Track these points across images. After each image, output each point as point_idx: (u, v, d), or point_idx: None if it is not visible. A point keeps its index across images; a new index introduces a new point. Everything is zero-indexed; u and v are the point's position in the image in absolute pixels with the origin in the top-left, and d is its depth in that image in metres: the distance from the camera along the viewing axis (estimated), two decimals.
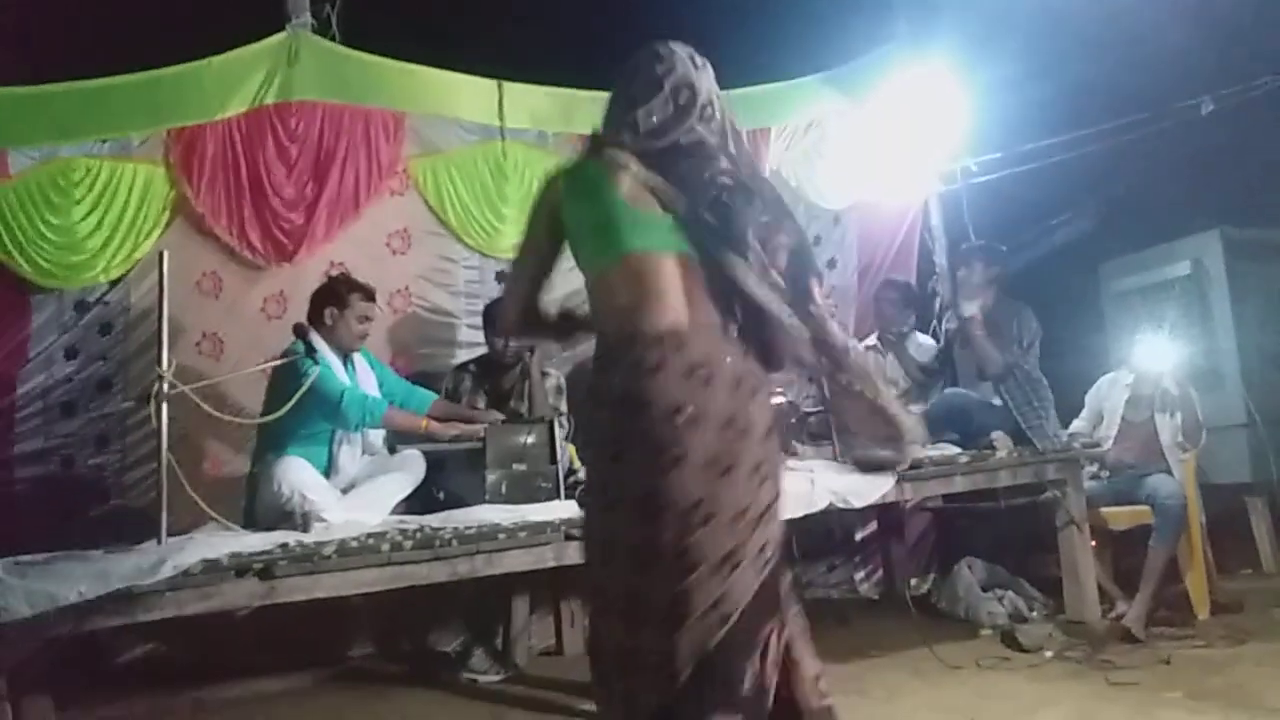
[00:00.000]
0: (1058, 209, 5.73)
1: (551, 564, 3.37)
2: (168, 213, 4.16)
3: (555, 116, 4.92)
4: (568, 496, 3.68)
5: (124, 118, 4.09)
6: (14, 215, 3.86)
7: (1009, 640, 4.23)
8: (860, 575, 5.57)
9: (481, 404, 4.29)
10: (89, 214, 4.00)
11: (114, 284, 4.10)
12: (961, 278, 4.80)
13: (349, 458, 3.76)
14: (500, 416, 4.08)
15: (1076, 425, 4.94)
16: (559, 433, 3.82)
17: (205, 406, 3.53)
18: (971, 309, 4.62)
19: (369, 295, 3.92)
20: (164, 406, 3.10)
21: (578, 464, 4.15)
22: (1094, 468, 4.79)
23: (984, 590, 4.71)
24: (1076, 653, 3.99)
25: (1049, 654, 4.01)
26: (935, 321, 5.34)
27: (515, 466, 3.72)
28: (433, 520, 3.41)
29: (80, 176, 3.99)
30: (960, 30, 5.48)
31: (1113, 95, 5.58)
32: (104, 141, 4.08)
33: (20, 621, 2.59)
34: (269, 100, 4.31)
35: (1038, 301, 4.79)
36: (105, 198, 4.03)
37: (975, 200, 5.71)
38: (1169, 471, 4.54)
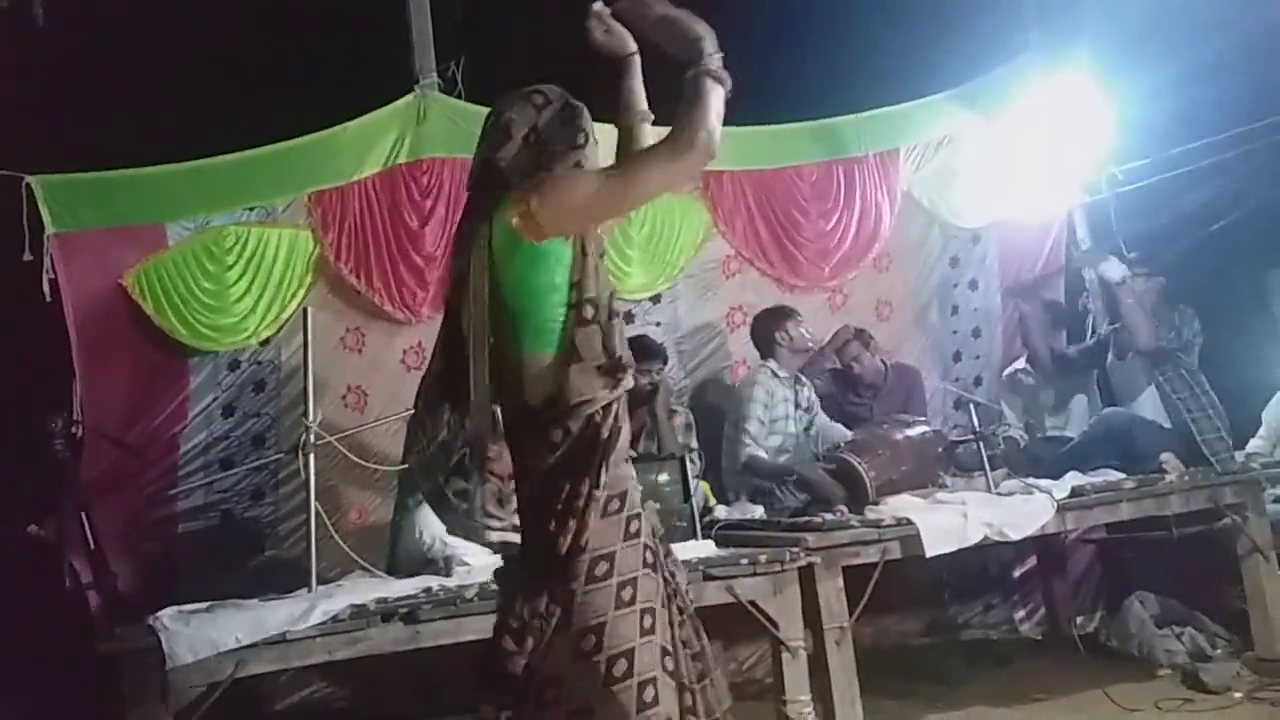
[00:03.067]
0: (1216, 214, 5.36)
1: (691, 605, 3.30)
2: (311, 274, 4.34)
3: None
4: (704, 535, 3.62)
5: (268, 185, 4.31)
6: (173, 283, 4.09)
7: (1191, 680, 3.91)
8: (1020, 614, 5.26)
9: None
10: (239, 279, 4.21)
11: (264, 343, 4.30)
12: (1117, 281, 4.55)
13: None
14: (633, 455, 4.05)
15: (1255, 445, 4.58)
16: (691, 470, 3.76)
17: (351, 456, 3.68)
18: (1117, 273, 4.38)
19: None
20: (311, 458, 3.21)
21: (712, 501, 4.09)
22: (1278, 490, 4.41)
23: (1159, 627, 4.37)
24: (1270, 693, 3.65)
25: (1239, 695, 3.69)
26: (1090, 337, 5.06)
27: (649, 505, 3.67)
28: None
29: (231, 244, 4.21)
30: (1099, 36, 5.23)
31: (1270, 90, 5.20)
32: (251, 209, 4.31)
33: (184, 667, 2.72)
34: (401, 160, 4.46)
35: (1199, 313, 4.48)
36: (254, 262, 4.23)
37: (1124, 210, 5.40)
38: None
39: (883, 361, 4.83)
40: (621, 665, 1.71)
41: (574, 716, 1.71)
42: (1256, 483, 4.18)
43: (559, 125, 1.98)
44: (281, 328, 4.29)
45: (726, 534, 3.72)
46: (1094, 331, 4.98)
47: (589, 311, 1.84)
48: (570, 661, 1.72)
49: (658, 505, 3.62)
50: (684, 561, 3.23)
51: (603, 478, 1.81)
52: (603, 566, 1.77)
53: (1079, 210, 5.64)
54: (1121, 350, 4.59)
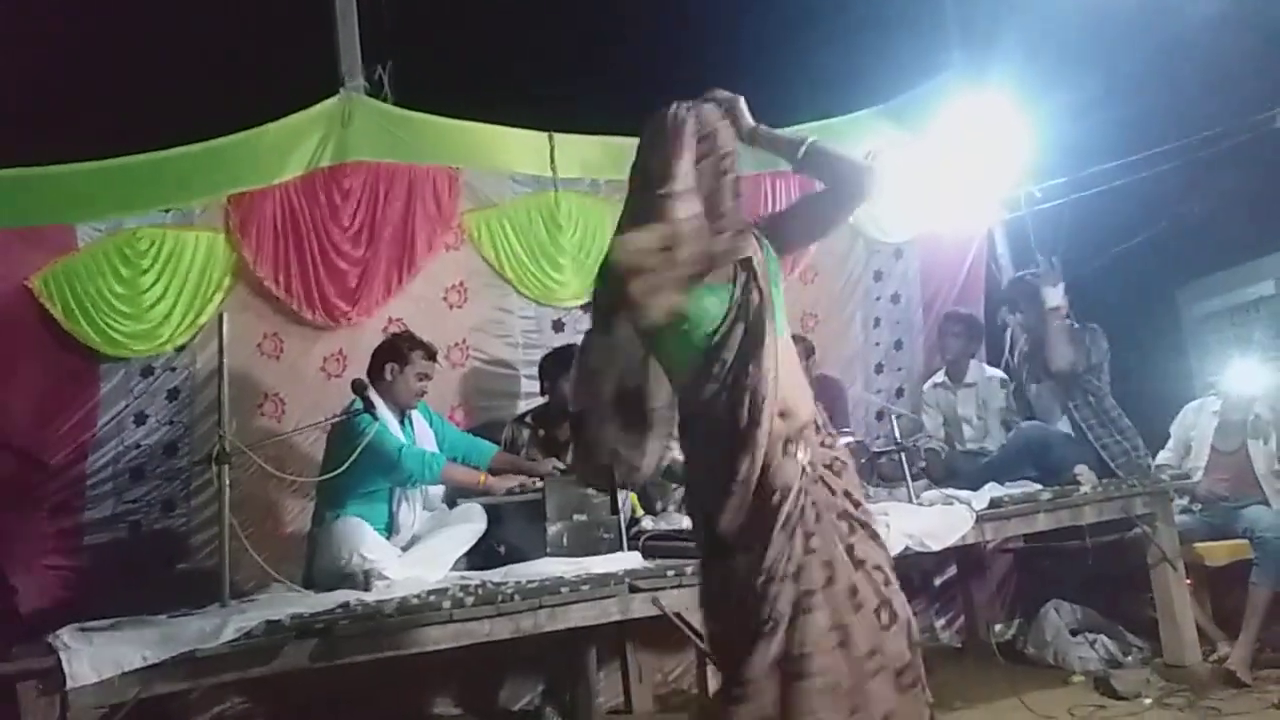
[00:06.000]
0: (1129, 233, 5.54)
1: (616, 617, 3.28)
2: (229, 278, 4.23)
3: (607, 165, 4.91)
4: (630, 547, 3.60)
5: (186, 187, 4.19)
6: (83, 286, 3.95)
7: (1103, 687, 4.01)
8: (941, 622, 5.35)
9: (539, 455, 4.24)
10: (154, 283, 4.08)
11: (180, 350, 4.16)
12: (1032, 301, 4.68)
13: (408, 515, 3.73)
14: (559, 466, 4.02)
15: (1163, 457, 4.72)
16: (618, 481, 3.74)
17: (267, 467, 3.58)
18: (1057, 299, 4.50)
19: (430, 354, 3.92)
20: (225, 469, 3.11)
21: (639, 512, 4.07)
22: (1185, 501, 4.55)
23: (1074, 634, 4.49)
24: (1178, 699, 3.76)
25: (1148, 700, 3.79)
26: (1007, 354, 5.17)
27: (576, 517, 3.65)
28: (494, 575, 3.35)
29: (146, 246, 4.08)
30: (1019, 55, 5.37)
31: (1183, 113, 5.40)
32: (167, 211, 4.17)
33: (86, 687, 2.60)
34: (325, 163, 4.38)
35: (1112, 329, 4.62)
36: (169, 266, 4.11)
37: (1042, 227, 5.54)
38: (1266, 502, 4.29)
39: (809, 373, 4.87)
40: None
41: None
42: (1165, 493, 4.31)
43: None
44: (197, 333, 4.17)
45: (653, 545, 3.70)
46: (1012, 347, 5.09)
47: None
48: None
49: (584, 517, 3.65)
50: (609, 574, 3.25)
51: None
52: None
53: (999, 226, 5.78)
54: (1035, 374, 4.70)
